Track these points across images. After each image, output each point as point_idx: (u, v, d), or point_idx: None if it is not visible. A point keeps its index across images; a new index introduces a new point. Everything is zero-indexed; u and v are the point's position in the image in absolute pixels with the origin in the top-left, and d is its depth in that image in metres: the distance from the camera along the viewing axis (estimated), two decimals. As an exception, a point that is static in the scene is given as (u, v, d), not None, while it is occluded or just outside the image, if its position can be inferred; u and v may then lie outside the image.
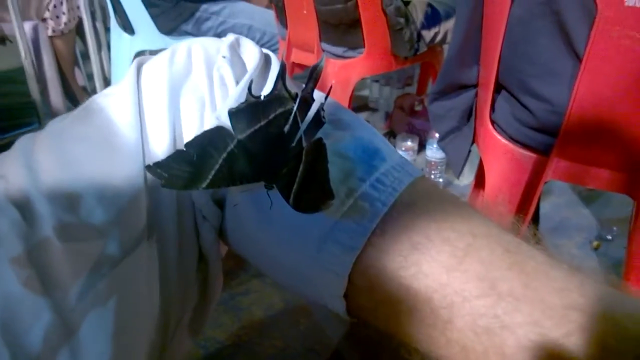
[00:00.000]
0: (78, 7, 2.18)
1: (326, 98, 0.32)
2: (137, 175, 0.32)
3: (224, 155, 0.31)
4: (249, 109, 0.32)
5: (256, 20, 1.81)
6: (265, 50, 0.38)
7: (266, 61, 0.37)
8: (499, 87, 0.84)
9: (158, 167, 0.30)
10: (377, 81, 2.32)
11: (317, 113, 0.31)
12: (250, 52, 0.37)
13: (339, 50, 1.56)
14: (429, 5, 1.53)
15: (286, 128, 0.32)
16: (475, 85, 0.93)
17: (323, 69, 0.32)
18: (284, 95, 0.32)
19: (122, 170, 0.32)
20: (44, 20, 2.18)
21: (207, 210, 0.35)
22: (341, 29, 1.48)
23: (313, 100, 0.32)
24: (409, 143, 1.77)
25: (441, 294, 0.26)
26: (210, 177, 0.30)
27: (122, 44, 1.94)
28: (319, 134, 0.30)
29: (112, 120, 0.34)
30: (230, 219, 0.35)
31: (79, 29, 2.27)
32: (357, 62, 1.54)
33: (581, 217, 1.48)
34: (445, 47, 1.67)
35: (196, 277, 0.37)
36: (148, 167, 0.30)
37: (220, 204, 0.35)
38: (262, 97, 0.32)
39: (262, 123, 0.31)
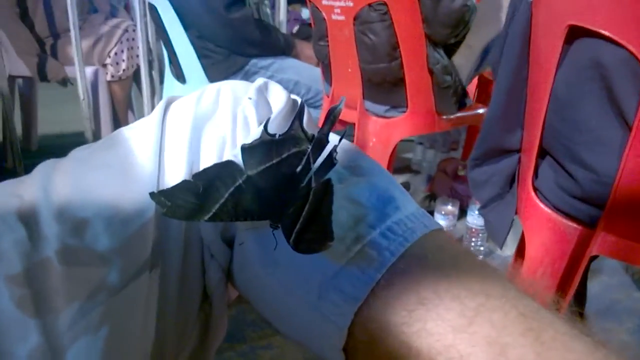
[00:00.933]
0: (137, 56, 2.29)
1: (341, 139, 0.32)
2: (148, 206, 0.32)
3: (231, 189, 0.31)
4: (263, 146, 0.32)
5: (303, 76, 1.84)
6: (293, 96, 0.38)
7: (293, 106, 0.37)
8: (543, 153, 0.79)
9: (162, 195, 0.30)
10: (421, 143, 2.29)
11: (330, 155, 0.31)
12: (277, 96, 0.37)
13: (381, 109, 1.55)
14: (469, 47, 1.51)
15: (299, 168, 0.31)
16: (519, 150, 0.89)
17: (341, 112, 0.32)
18: (300, 135, 0.32)
19: (134, 199, 0.32)
20: (104, 65, 2.29)
21: (216, 248, 0.34)
22: (384, 87, 1.48)
23: (328, 142, 0.32)
24: (450, 207, 1.71)
25: (445, 356, 0.24)
26: (214, 210, 0.30)
27: (174, 92, 2.01)
28: (333, 177, 0.30)
29: (132, 152, 0.34)
30: (237, 258, 0.34)
31: (136, 76, 2.39)
32: (399, 121, 1.52)
33: (634, 300, 1.38)
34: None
35: (197, 317, 0.36)
36: (152, 195, 0.30)
37: (229, 243, 0.34)
38: (277, 136, 0.32)
39: (275, 161, 0.31)
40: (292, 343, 0.33)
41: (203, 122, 0.35)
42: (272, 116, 0.35)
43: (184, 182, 0.31)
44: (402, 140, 1.59)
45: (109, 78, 2.32)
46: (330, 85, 1.67)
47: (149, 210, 0.32)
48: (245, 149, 0.31)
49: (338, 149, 0.31)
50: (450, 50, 1.51)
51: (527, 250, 0.83)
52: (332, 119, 0.32)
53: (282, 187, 0.31)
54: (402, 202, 0.31)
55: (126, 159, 0.34)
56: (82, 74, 2.13)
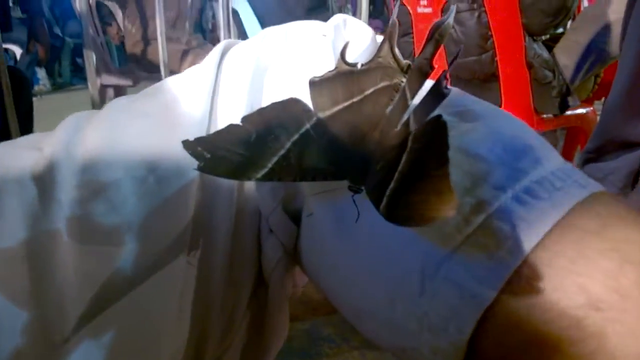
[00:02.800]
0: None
1: (450, 64, 0.23)
2: (192, 164, 0.25)
3: (295, 137, 0.24)
4: (339, 79, 0.24)
5: None
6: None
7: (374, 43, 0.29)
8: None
9: (200, 144, 0.23)
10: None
11: (437, 85, 0.21)
12: (359, 31, 0.30)
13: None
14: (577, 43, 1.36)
15: (389, 108, 0.23)
16: (644, 144, 0.75)
17: (449, 28, 0.22)
18: (390, 63, 0.24)
19: (174, 154, 0.26)
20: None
21: (276, 221, 0.27)
22: (474, 84, 1.36)
23: (431, 69, 0.23)
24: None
25: None
26: (270, 164, 0.23)
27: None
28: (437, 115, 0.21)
29: (178, 98, 0.28)
30: (305, 235, 0.27)
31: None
32: (493, 120, 1.39)
33: None
34: (600, 107, 1.46)
35: (248, 307, 0.29)
36: (186, 143, 0.23)
37: (295, 215, 0.27)
38: (359, 65, 0.25)
39: (356, 99, 0.24)
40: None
41: (267, 63, 0.29)
42: (352, 46, 0.27)
43: (231, 126, 0.24)
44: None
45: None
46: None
47: (191, 170, 0.25)
48: (314, 84, 0.24)
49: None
50: (548, 47, 1.37)
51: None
52: (437, 39, 0.22)
53: (366, 133, 0.23)
54: (542, 152, 0.22)
55: (171, 107, 0.28)
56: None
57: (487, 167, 0.21)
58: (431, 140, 0.19)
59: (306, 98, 0.25)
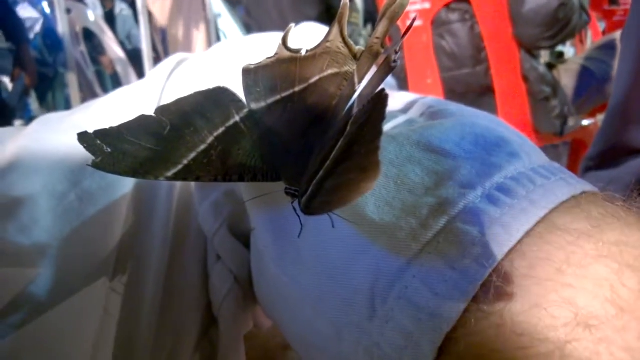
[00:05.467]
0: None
1: (405, 34, 0.19)
2: (121, 179, 0.23)
3: (220, 130, 0.21)
4: (279, 67, 0.22)
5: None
6: None
7: None
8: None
9: (99, 137, 0.19)
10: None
11: (386, 60, 0.19)
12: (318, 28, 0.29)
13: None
14: (583, 67, 1.30)
15: (335, 100, 0.21)
16: (648, 150, 0.70)
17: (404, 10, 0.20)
18: (340, 49, 0.22)
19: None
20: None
21: (221, 243, 0.24)
22: (469, 98, 1.32)
23: (382, 50, 0.20)
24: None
25: None
26: (185, 161, 0.20)
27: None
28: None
29: (116, 110, 0.26)
30: (252, 257, 0.23)
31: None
32: (489, 135, 1.34)
33: None
34: (601, 118, 1.42)
35: (196, 350, 0.25)
36: (81, 135, 0.19)
37: (245, 237, 0.24)
38: (303, 52, 0.22)
39: (297, 89, 0.22)
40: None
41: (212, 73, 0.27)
42: (298, 33, 0.26)
43: (141, 117, 0.20)
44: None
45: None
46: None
47: (121, 184, 0.23)
48: (249, 71, 0.22)
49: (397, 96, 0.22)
50: (550, 65, 1.33)
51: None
52: (389, 17, 0.20)
53: (307, 127, 0.20)
54: (521, 146, 0.19)
55: (103, 120, 0.25)
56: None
57: (454, 162, 0.17)
58: (369, 117, 0.16)
59: (239, 88, 0.22)
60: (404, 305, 0.16)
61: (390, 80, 0.23)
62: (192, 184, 0.26)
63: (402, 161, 0.18)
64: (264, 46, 0.28)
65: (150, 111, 0.24)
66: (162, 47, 2.51)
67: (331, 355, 0.18)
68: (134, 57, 2.79)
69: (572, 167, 1.78)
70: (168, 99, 0.26)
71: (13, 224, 0.22)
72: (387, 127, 0.21)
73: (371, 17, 2.83)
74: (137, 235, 0.24)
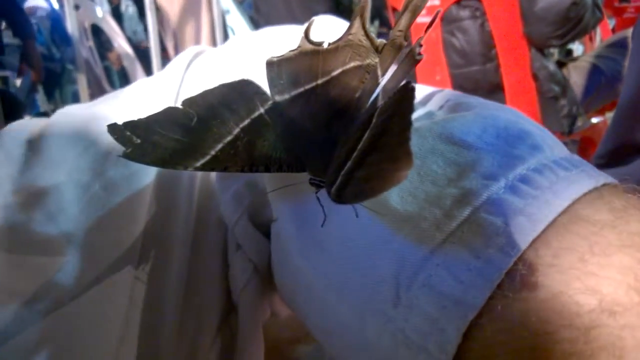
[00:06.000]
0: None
1: (429, 27, 0.19)
2: (144, 168, 0.24)
3: (246, 122, 0.21)
4: (302, 60, 0.22)
5: None
6: None
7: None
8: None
9: (128, 128, 0.20)
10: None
11: (410, 52, 0.19)
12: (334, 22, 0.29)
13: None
14: (593, 65, 1.30)
15: (358, 92, 0.21)
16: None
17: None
18: (362, 42, 0.22)
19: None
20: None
21: (242, 233, 0.24)
22: (479, 95, 1.31)
23: (406, 42, 0.21)
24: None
25: None
26: (212, 152, 0.20)
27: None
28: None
29: (137, 102, 0.27)
30: (273, 247, 0.24)
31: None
32: (498, 133, 1.34)
33: None
34: (610, 116, 1.41)
35: (217, 336, 0.25)
36: (111, 127, 0.19)
37: (267, 228, 0.24)
38: (325, 44, 0.22)
39: (320, 81, 0.22)
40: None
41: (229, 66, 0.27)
42: (320, 26, 0.24)
43: (169, 109, 0.21)
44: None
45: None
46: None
47: (144, 173, 0.23)
48: (272, 64, 0.22)
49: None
50: (560, 63, 1.33)
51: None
52: (411, 10, 0.20)
53: (329, 119, 0.21)
54: (544, 139, 0.19)
55: (127, 110, 0.26)
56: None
57: (476, 154, 0.18)
58: (397, 109, 0.16)
59: (263, 81, 0.22)
60: (429, 292, 0.16)
61: None
62: (213, 174, 0.26)
63: (424, 153, 0.18)
64: (283, 39, 0.29)
65: (170, 102, 0.25)
66: (172, 43, 2.53)
67: (354, 341, 0.19)
68: (140, 53, 2.80)
69: (580, 165, 1.78)
70: (187, 90, 0.27)
71: (40, 212, 0.22)
72: None
73: (378, 13, 2.82)
74: (161, 223, 0.24)
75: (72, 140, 0.25)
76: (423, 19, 1.31)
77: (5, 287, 0.21)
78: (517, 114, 0.21)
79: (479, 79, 1.27)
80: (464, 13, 1.23)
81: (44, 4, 3.65)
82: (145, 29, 2.72)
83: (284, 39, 0.29)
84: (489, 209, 0.16)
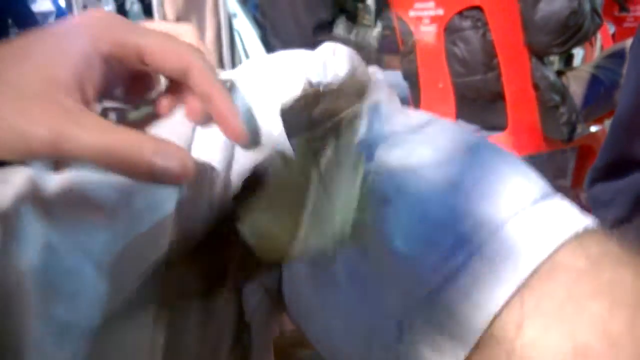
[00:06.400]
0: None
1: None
2: (168, 196, 0.25)
3: None
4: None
5: (388, 77, 1.72)
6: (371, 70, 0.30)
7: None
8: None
9: None
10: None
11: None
12: (342, 64, 0.28)
13: (470, 128, 1.40)
14: (592, 75, 1.32)
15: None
16: (653, 163, 0.72)
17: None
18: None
19: (150, 188, 0.25)
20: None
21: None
22: (479, 104, 1.34)
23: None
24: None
25: None
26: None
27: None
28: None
29: (159, 130, 0.26)
30: (286, 276, 0.26)
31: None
32: (499, 139, 1.36)
33: None
34: (608, 123, 1.43)
35: (231, 352, 0.27)
36: None
37: None
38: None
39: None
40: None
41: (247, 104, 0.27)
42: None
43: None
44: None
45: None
46: (418, 106, 1.55)
47: (168, 201, 0.24)
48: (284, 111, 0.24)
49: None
50: (559, 72, 1.35)
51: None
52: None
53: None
54: (522, 187, 0.20)
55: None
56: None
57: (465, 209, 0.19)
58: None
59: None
60: (427, 334, 0.18)
61: (386, 78, 0.26)
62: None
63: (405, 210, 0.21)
64: (294, 68, 0.30)
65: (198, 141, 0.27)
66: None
67: (358, 359, 0.21)
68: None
69: (579, 171, 1.79)
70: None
71: (72, 244, 0.24)
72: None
73: (381, 14, 2.84)
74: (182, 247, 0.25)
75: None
76: (427, 28, 1.34)
77: (42, 313, 0.23)
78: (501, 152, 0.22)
79: (481, 88, 1.29)
80: (466, 23, 1.25)
81: (51, 6, 3.66)
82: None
83: (294, 67, 0.30)
84: (480, 256, 0.18)
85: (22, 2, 2.18)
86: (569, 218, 0.19)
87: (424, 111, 0.27)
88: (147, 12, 2.90)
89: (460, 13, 1.26)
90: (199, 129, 0.28)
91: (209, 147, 0.27)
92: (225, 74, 0.31)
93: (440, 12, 1.28)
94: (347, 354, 0.22)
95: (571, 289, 0.17)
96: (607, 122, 1.51)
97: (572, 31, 1.17)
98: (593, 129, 1.49)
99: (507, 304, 0.17)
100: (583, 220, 0.20)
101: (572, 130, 1.30)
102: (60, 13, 3.66)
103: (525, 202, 0.19)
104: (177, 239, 0.25)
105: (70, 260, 0.23)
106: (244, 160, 0.26)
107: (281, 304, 0.27)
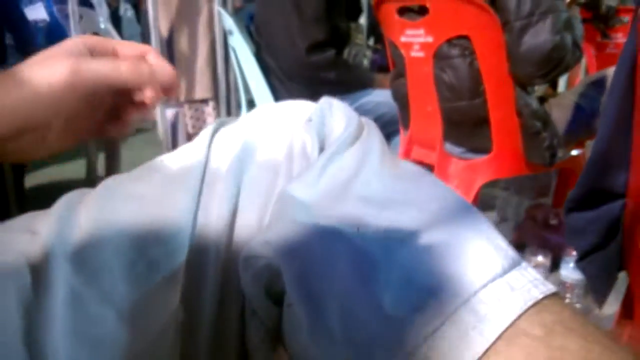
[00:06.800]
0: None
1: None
2: (180, 247, 0.26)
3: None
4: None
5: (383, 96, 1.74)
6: (363, 119, 0.32)
7: (358, 129, 0.30)
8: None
9: None
10: (507, 189, 2.15)
11: None
12: (340, 116, 0.31)
13: (457, 150, 1.46)
14: (574, 102, 1.38)
15: None
16: (624, 195, 0.77)
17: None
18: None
19: (164, 237, 0.26)
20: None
21: (258, 304, 0.28)
22: (465, 128, 1.39)
23: None
24: (540, 259, 1.56)
25: None
26: None
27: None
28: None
29: (169, 181, 0.29)
30: (287, 320, 0.27)
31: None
32: (483, 163, 1.41)
33: None
34: (589, 145, 1.50)
35: None
36: None
37: (277, 299, 0.28)
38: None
39: None
40: None
41: (252, 150, 0.30)
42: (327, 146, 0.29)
43: None
44: (486, 185, 1.48)
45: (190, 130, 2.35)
46: (407, 127, 1.60)
47: (180, 252, 0.26)
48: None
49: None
50: (542, 99, 1.41)
51: (637, 311, 0.71)
52: None
53: None
54: (482, 260, 0.23)
55: (161, 189, 0.29)
56: (162, 116, 2.21)
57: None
58: None
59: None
60: None
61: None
62: (238, 256, 0.29)
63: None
64: (289, 123, 0.32)
65: (199, 175, 0.29)
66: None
67: None
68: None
69: (560, 192, 1.85)
70: (213, 177, 0.29)
71: (96, 291, 0.25)
72: None
73: (374, 30, 2.89)
74: (192, 296, 0.28)
75: (114, 219, 0.27)
76: (417, 53, 1.38)
77: (70, 357, 0.24)
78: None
79: (467, 113, 1.34)
80: (455, 51, 1.30)
81: (45, 15, 3.65)
82: (142, 33, 2.74)
83: (296, 123, 0.32)
84: (451, 325, 0.21)
85: (16, 9, 2.20)
86: (529, 287, 0.22)
87: (413, 163, 0.30)
88: (139, 18, 2.91)
89: (449, 41, 1.30)
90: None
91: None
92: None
93: (430, 39, 1.33)
94: None
95: (529, 353, 0.20)
96: (589, 144, 1.57)
97: (554, 64, 1.23)
98: (574, 152, 1.54)
99: None
100: (542, 289, 0.23)
101: (553, 155, 1.36)
102: (53, 21, 3.65)
103: (494, 273, 0.22)
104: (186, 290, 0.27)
105: (95, 307, 0.25)
106: (250, 215, 0.28)
107: (280, 340, 0.29)
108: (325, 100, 0.32)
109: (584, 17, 1.51)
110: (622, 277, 0.78)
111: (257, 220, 0.28)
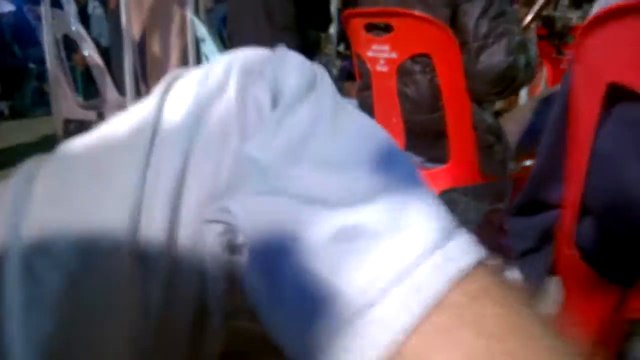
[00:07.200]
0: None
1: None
2: (121, 227, 0.24)
3: None
4: None
5: (352, 105, 1.83)
6: (315, 66, 0.30)
7: (312, 81, 0.28)
8: (585, 210, 0.77)
9: None
10: (467, 195, 2.25)
11: None
12: (292, 66, 0.29)
13: (417, 160, 1.55)
14: (527, 117, 1.49)
15: None
16: (558, 207, 0.87)
17: None
18: None
19: (108, 222, 0.24)
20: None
21: (218, 264, 0.26)
22: (425, 139, 1.48)
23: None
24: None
25: None
26: None
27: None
28: None
29: (116, 153, 0.26)
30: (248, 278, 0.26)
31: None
32: (441, 172, 1.51)
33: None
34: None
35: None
36: None
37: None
38: None
39: None
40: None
41: (207, 106, 0.27)
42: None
43: None
44: (446, 191, 1.58)
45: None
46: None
47: (121, 230, 0.24)
48: None
49: None
50: (497, 113, 1.51)
51: (566, 309, 0.80)
52: None
53: None
54: (429, 230, 0.23)
55: (108, 163, 0.26)
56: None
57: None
58: None
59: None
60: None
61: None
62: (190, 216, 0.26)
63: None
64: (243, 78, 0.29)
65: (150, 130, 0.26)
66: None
67: None
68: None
69: (513, 200, 1.96)
70: (163, 136, 0.26)
71: (39, 304, 0.23)
72: None
73: (344, 37, 2.98)
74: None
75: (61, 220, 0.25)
76: (382, 68, 1.47)
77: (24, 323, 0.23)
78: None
79: (427, 126, 1.44)
80: (416, 67, 1.39)
81: (11, 7, 3.58)
82: (110, 31, 2.74)
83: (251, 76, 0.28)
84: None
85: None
86: (459, 257, 0.22)
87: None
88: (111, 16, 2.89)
89: (412, 58, 1.40)
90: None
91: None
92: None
93: (394, 55, 1.42)
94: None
95: (451, 320, 0.20)
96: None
97: (507, 82, 1.34)
98: (527, 163, 1.65)
99: (414, 331, 0.20)
100: (470, 257, 0.22)
101: (505, 167, 1.47)
102: (20, 13, 3.59)
103: (428, 247, 0.22)
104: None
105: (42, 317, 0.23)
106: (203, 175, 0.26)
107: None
108: (280, 49, 0.30)
109: (540, 34, 1.62)
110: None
111: (211, 180, 0.26)
